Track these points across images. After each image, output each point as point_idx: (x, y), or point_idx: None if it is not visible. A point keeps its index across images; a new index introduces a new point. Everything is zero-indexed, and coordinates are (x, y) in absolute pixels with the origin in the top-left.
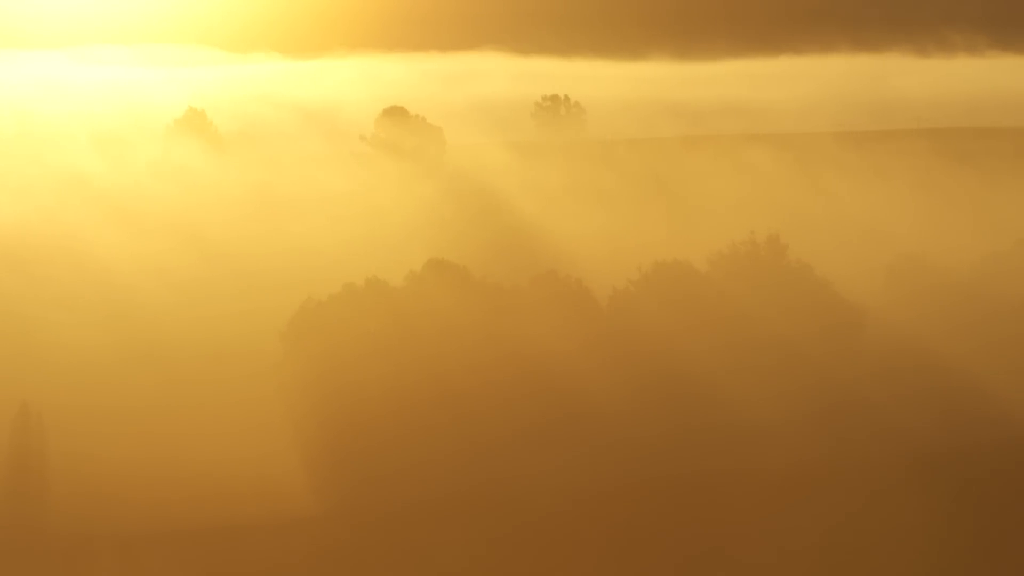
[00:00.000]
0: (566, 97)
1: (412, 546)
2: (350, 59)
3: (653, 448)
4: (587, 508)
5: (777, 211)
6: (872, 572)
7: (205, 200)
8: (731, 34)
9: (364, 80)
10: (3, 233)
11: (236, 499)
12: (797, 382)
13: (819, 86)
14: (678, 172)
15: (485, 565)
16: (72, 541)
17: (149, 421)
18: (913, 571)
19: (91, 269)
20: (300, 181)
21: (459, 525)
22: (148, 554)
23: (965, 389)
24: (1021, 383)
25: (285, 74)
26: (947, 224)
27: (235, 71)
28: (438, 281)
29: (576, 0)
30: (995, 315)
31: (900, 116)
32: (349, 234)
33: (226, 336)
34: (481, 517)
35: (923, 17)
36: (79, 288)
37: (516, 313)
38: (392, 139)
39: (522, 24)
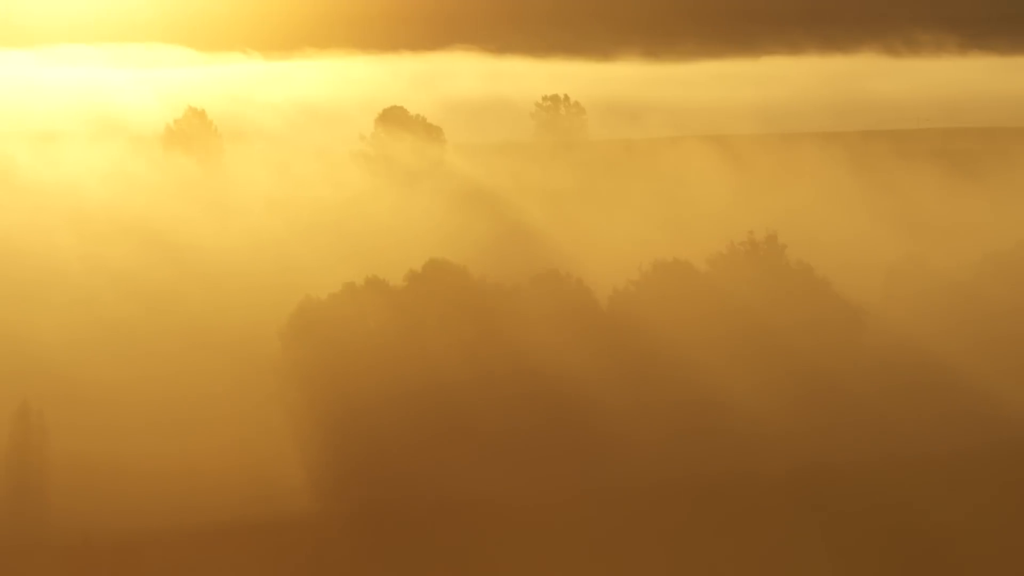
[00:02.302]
0: (566, 97)
1: (411, 546)
2: (322, 59)
3: (653, 448)
4: (587, 508)
5: (768, 211)
6: (872, 572)
7: (204, 200)
8: (701, 35)
9: (337, 80)
10: None
11: (236, 499)
12: (797, 381)
13: (792, 87)
14: (669, 172)
15: (484, 565)
16: (72, 540)
17: (149, 420)
18: (913, 571)
19: (89, 269)
20: (299, 181)
21: (458, 525)
22: (148, 554)
23: (965, 389)
24: (1020, 383)
25: (257, 75)
26: (941, 224)
27: (206, 72)
28: (438, 281)
29: (546, 0)
30: (995, 315)
31: (876, 117)
32: (349, 234)
33: (225, 336)
34: (480, 517)
35: (894, 18)
36: (78, 289)
37: (516, 313)
38: (392, 138)
39: (493, 24)
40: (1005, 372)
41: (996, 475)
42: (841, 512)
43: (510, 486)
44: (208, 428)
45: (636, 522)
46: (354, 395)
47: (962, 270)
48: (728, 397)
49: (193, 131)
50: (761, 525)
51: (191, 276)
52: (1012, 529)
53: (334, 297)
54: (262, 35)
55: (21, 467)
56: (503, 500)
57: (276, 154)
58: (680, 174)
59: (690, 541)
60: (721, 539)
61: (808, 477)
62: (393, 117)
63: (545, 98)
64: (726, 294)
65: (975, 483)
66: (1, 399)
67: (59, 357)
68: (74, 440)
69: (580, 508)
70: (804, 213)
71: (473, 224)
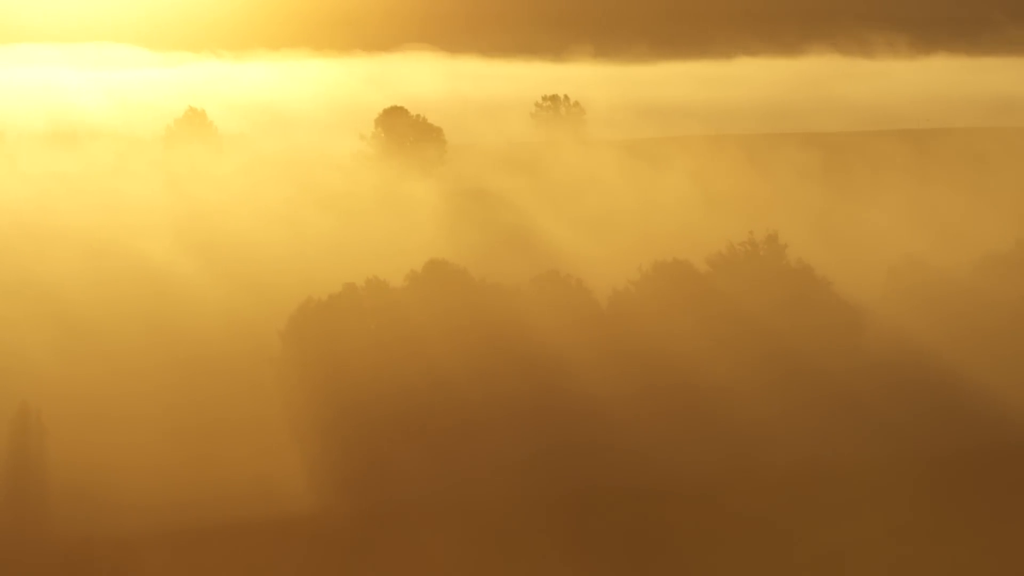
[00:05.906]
0: (565, 97)
1: (411, 546)
2: (276, 60)
3: (653, 448)
4: (587, 508)
5: (755, 211)
6: (872, 572)
7: (204, 200)
8: (659, 36)
9: (292, 81)
10: None
11: (236, 499)
12: (797, 381)
13: (751, 88)
14: (662, 173)
15: (484, 565)
16: (72, 541)
17: (149, 421)
18: (913, 571)
19: (89, 268)
20: (299, 181)
21: (458, 524)
22: (148, 554)
23: (965, 389)
24: (1020, 383)
25: (219, 74)
26: (939, 226)
27: (159, 72)
28: (438, 281)
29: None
30: (995, 315)
31: (835, 118)
32: (349, 234)
33: (226, 336)
34: (480, 516)
35: (852, 18)
36: (77, 288)
37: (516, 313)
38: (392, 139)
39: (447, 24)
40: (1005, 372)
41: (996, 475)
42: (841, 511)
43: (509, 484)
44: (209, 429)
45: (636, 520)
46: (354, 395)
47: (962, 270)
48: (728, 395)
49: (193, 131)
50: (761, 524)
51: (190, 275)
52: (1012, 528)
53: (334, 297)
54: (213, 35)
55: (21, 467)
56: (502, 498)
57: (261, 155)
58: (656, 175)
59: (690, 540)
60: (721, 539)
61: (807, 475)
62: (392, 117)
63: (545, 98)
64: (726, 294)
65: (975, 483)
66: (1, 400)
67: (59, 362)
68: (73, 440)
69: (580, 508)
70: (793, 212)
71: (473, 224)
